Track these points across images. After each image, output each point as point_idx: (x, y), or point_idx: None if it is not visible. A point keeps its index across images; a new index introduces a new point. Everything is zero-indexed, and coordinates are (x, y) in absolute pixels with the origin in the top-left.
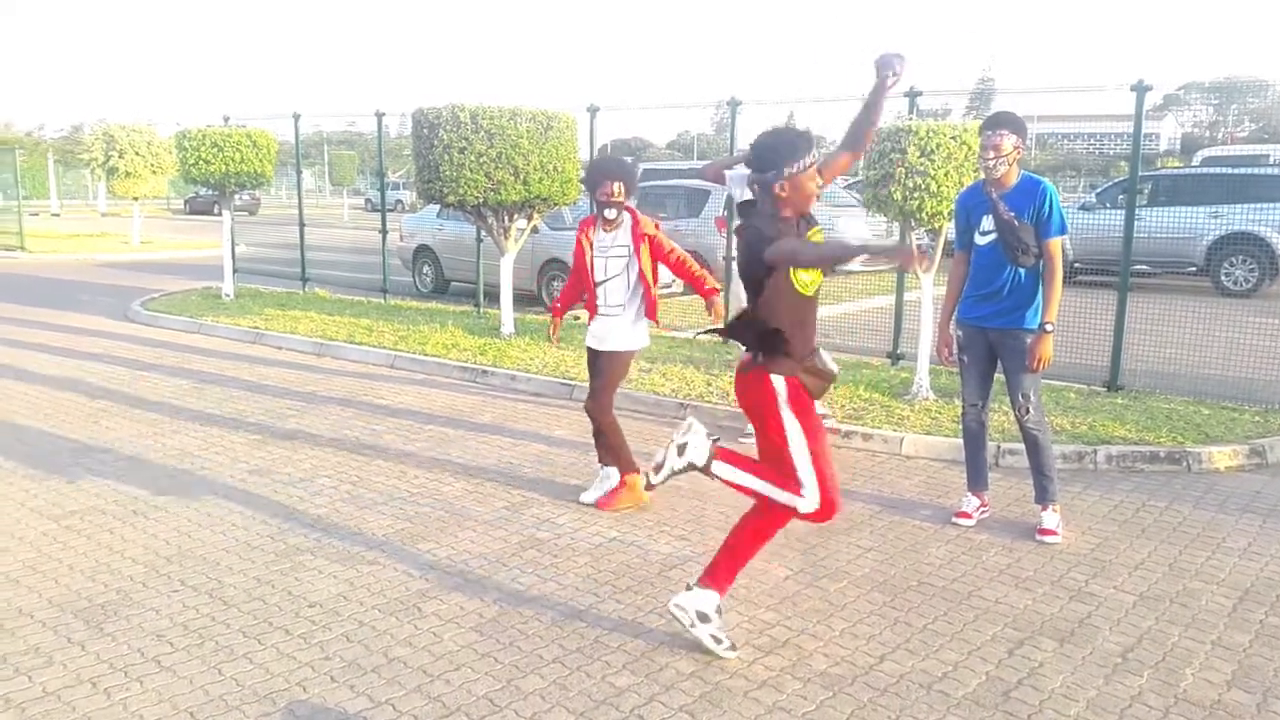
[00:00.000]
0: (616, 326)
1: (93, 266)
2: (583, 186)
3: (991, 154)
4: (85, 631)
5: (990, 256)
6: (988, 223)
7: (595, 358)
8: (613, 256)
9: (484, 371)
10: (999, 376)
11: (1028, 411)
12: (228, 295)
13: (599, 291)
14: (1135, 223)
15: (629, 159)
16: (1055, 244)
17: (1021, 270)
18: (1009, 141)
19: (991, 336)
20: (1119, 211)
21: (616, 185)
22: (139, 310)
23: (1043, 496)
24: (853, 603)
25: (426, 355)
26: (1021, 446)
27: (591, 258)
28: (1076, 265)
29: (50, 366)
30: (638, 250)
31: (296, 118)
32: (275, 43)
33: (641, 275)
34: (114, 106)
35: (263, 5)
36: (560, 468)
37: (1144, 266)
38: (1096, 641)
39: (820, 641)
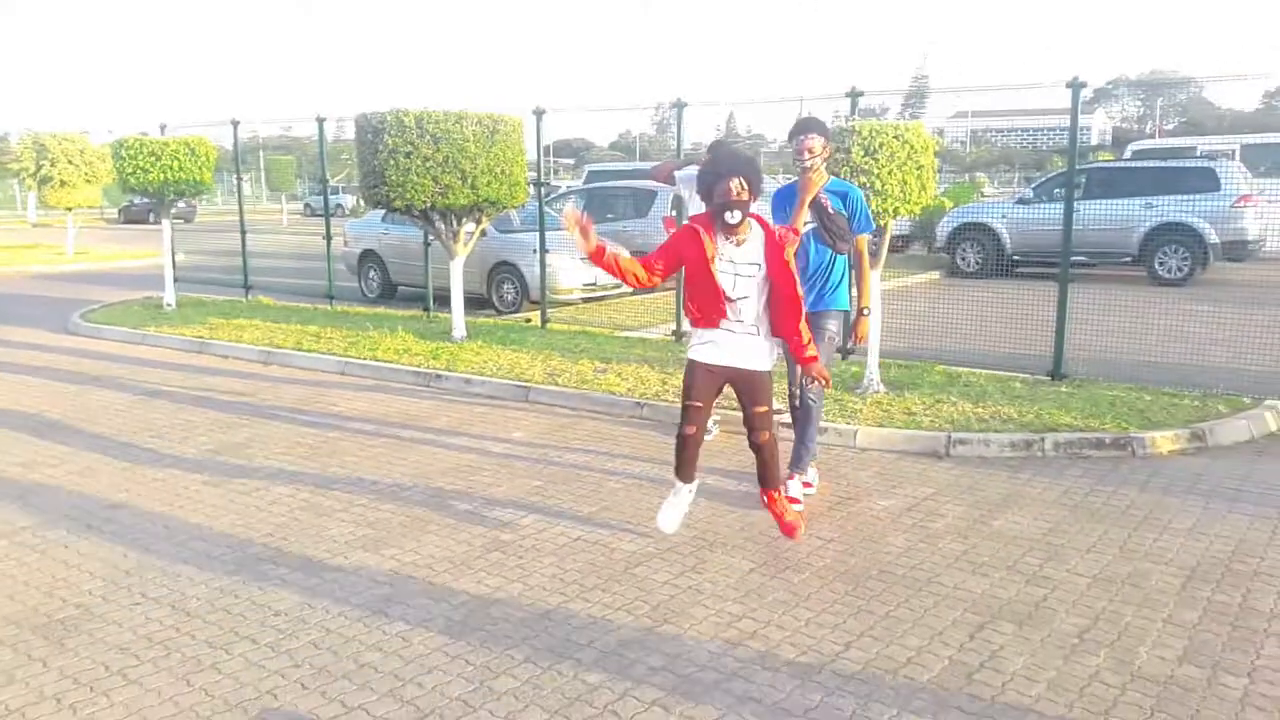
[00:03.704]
0: (757, 346)
1: (27, 279)
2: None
3: (807, 155)
4: (46, 648)
5: (808, 244)
6: (806, 213)
7: (740, 377)
8: (742, 275)
9: (437, 376)
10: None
11: (811, 383)
12: (169, 305)
13: (729, 308)
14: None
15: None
16: (862, 240)
17: (837, 256)
18: (818, 143)
19: (808, 318)
20: (1056, 205)
21: (736, 182)
22: (79, 322)
23: (797, 464)
24: (817, 593)
25: (378, 361)
26: (971, 435)
27: (716, 268)
28: (1015, 258)
29: None
30: (774, 270)
31: (235, 124)
32: (208, 50)
33: (778, 291)
34: (39, 114)
35: (191, 11)
36: (520, 470)
37: (1081, 257)
38: (1054, 623)
39: (787, 632)
